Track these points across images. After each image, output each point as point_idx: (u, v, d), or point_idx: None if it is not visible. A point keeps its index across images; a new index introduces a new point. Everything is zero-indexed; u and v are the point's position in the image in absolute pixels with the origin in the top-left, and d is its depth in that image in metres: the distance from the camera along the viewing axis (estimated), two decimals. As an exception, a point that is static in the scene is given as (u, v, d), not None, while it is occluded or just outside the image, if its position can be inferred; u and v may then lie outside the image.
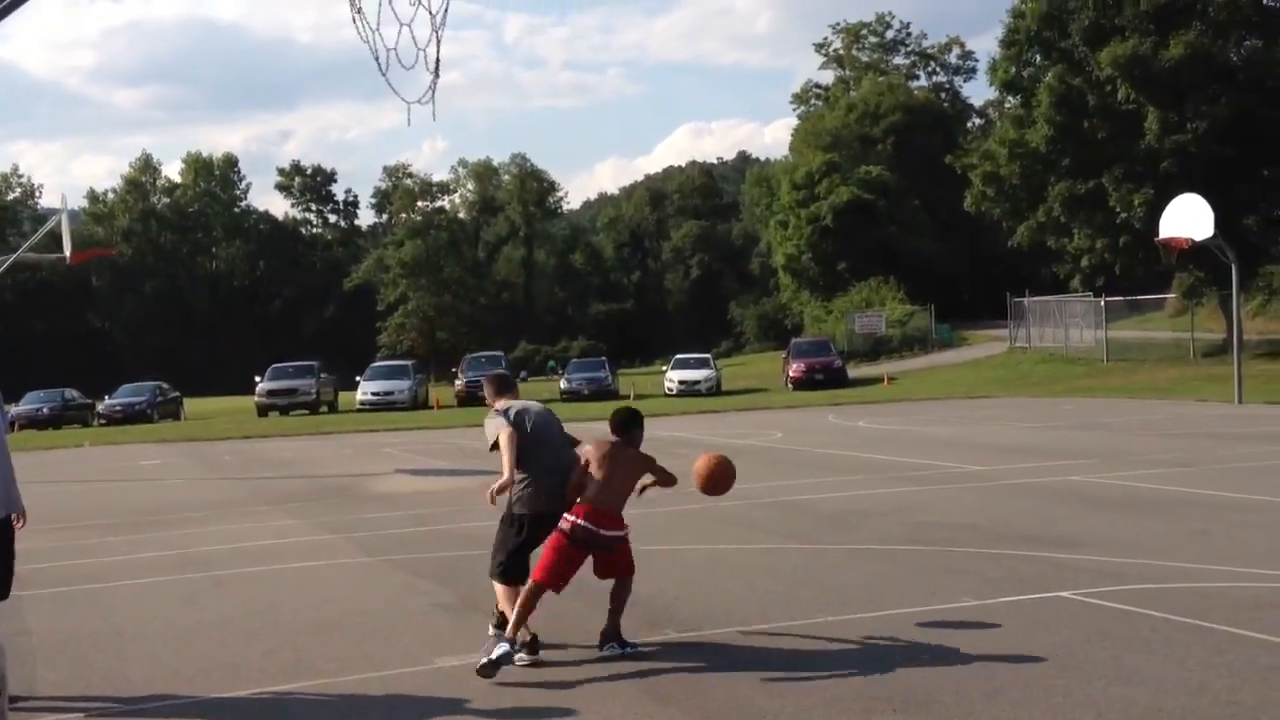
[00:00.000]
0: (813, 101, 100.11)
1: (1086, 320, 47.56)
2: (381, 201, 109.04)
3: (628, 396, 43.80)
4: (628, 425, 7.83)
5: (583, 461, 7.70)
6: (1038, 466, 16.87)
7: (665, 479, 7.89)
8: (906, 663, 6.98)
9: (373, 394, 43.59)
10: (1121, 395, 33.02)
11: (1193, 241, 28.33)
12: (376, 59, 8.24)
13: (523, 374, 70.44)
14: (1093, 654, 7.01)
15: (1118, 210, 41.43)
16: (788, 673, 6.86)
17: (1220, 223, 28.14)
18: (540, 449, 7.87)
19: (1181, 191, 29.77)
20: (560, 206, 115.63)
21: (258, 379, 44.48)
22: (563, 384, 47.21)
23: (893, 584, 9.20)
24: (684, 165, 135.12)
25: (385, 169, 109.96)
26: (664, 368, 51.13)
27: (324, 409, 44.03)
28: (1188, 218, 28.13)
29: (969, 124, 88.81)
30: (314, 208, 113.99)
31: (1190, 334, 43.08)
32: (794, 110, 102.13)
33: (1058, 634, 7.50)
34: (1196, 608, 7.96)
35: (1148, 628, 7.56)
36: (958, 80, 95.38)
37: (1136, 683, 6.38)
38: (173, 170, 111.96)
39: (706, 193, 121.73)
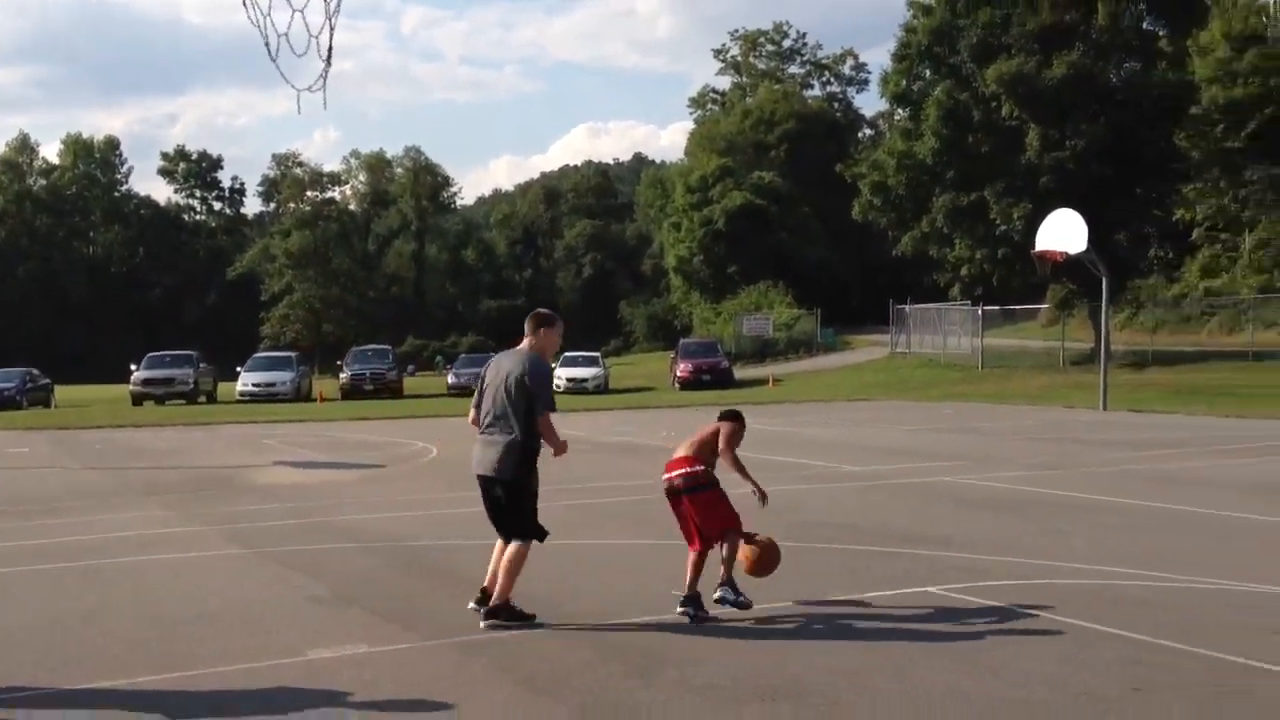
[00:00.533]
0: (709, 106, 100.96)
1: (964, 328, 48.70)
2: (269, 190, 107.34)
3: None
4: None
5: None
6: (914, 468, 17.25)
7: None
8: (777, 654, 7.12)
9: (254, 385, 42.78)
10: (995, 401, 33.86)
11: (1067, 255, 29.15)
12: (267, 44, 8.17)
13: (410, 368, 69.86)
14: (957, 646, 7.23)
15: (998, 222, 42.47)
16: (662, 663, 6.95)
17: (1093, 238, 29.00)
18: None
19: (1058, 207, 30.59)
20: (454, 201, 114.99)
21: (133, 367, 43.40)
22: (450, 379, 46.88)
23: (772, 579, 9.32)
24: (580, 165, 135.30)
25: (274, 157, 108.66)
26: (553, 365, 51.05)
27: (202, 399, 43.11)
28: (1063, 232, 28.93)
29: (860, 134, 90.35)
30: (198, 194, 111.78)
31: (1061, 343, 44.34)
32: (691, 114, 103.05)
33: (924, 627, 7.73)
34: (1056, 603, 8.24)
35: (1010, 622, 7.81)
36: (850, 91, 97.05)
37: (999, 675, 6.59)
38: (51, 152, 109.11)
39: (601, 193, 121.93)
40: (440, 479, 17.17)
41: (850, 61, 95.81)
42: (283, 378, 43.55)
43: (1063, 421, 26.31)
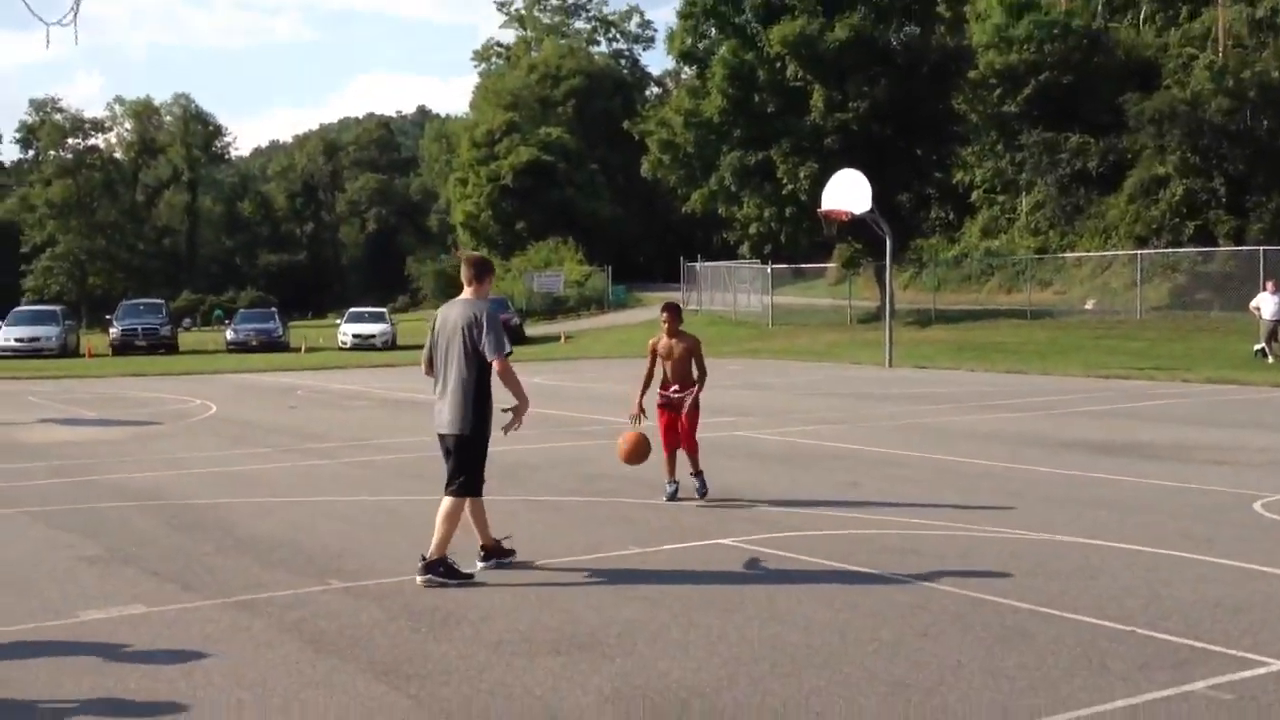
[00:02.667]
0: (494, 60, 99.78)
1: (754, 286, 49.58)
2: (27, 137, 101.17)
3: (299, 349, 42.52)
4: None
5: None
6: (706, 423, 17.32)
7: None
8: (571, 608, 7.01)
9: (16, 339, 40.52)
10: (785, 357, 34.58)
11: (852, 215, 29.82)
12: (14, -30, 7.51)
13: (186, 323, 67.25)
14: (748, 596, 7.25)
15: (785, 182, 43.19)
16: (452, 620, 6.77)
17: (877, 198, 29.74)
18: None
19: (843, 167, 31.23)
20: (228, 152, 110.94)
21: (-118, 321, 40.55)
22: (229, 334, 45.32)
23: (560, 534, 9.25)
24: (361, 117, 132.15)
25: (32, 102, 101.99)
26: (338, 321, 49.93)
27: (-41, 355, 40.57)
28: (848, 192, 29.55)
29: (647, 92, 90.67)
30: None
31: (848, 301, 45.58)
32: (475, 68, 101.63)
33: (716, 578, 7.74)
34: (844, 553, 8.38)
35: (799, 572, 7.89)
36: (637, 49, 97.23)
37: (788, 622, 6.64)
38: None
39: (384, 146, 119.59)
40: (220, 436, 16.52)
41: (636, 19, 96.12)
42: (48, 332, 41.43)
43: (850, 377, 27.02)
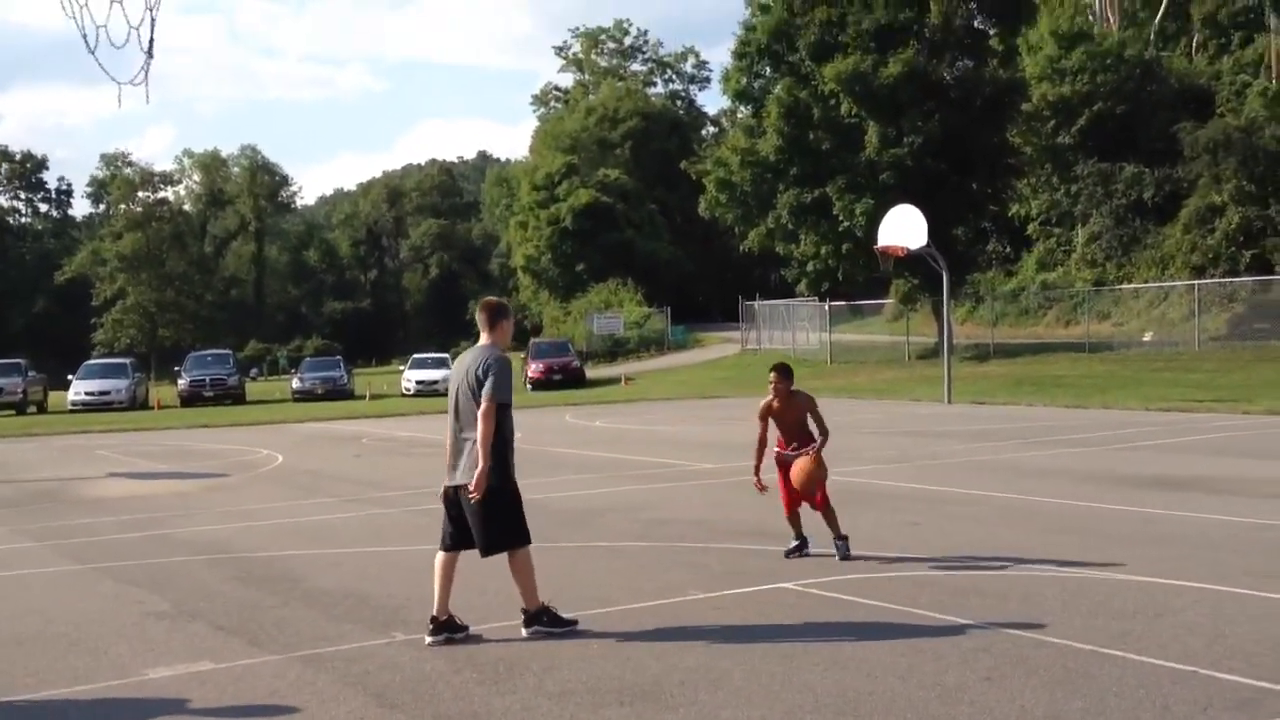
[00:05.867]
0: (552, 104, 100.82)
1: (812, 323, 49.55)
2: (98, 191, 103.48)
3: (364, 396, 42.99)
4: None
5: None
6: (766, 464, 17.36)
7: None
8: (634, 656, 7.06)
9: (86, 393, 41.26)
10: (844, 395, 34.46)
11: (908, 250, 29.80)
12: (84, 36, 7.79)
13: (254, 372, 68.22)
14: (810, 641, 7.26)
15: (841, 219, 43.22)
16: (516, 670, 6.84)
17: (933, 233, 29.70)
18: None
19: (899, 202, 31.21)
20: (294, 201, 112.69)
21: (-42, 378, 41.44)
22: (295, 383, 45.90)
23: (622, 580, 9.30)
24: (424, 163, 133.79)
25: (103, 157, 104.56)
26: (401, 367, 50.46)
27: (32, 409, 41.41)
28: (904, 227, 29.55)
29: (703, 131, 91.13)
30: (23, 196, 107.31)
31: (906, 338, 45.41)
32: (534, 112, 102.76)
33: (778, 623, 7.76)
34: (906, 595, 8.36)
35: (862, 615, 7.89)
36: (693, 89, 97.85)
37: (850, 668, 6.65)
38: None
39: (446, 191, 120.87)
40: (286, 488, 16.75)
41: (692, 59, 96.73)
42: (118, 385, 42.11)
43: (909, 414, 26.90)
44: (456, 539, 7.61)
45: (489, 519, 7.41)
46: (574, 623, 7.61)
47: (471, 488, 7.28)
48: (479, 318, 7.70)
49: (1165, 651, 6.75)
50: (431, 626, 7.48)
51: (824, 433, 9.80)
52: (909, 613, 7.89)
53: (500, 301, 7.98)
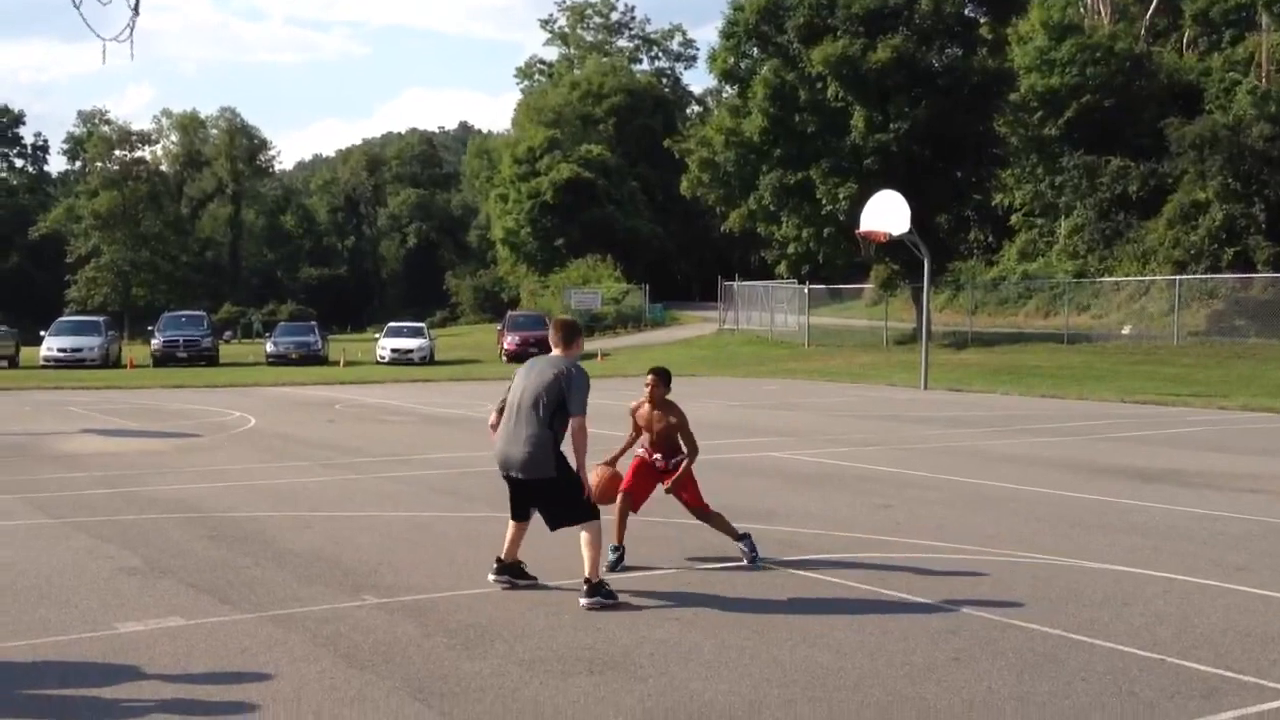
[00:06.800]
0: (536, 77, 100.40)
1: (791, 306, 49.59)
2: (74, 148, 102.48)
3: (338, 363, 42.86)
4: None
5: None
6: (740, 443, 17.44)
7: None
8: (605, 627, 7.08)
9: (59, 350, 40.96)
10: (820, 378, 34.55)
11: (890, 236, 29.82)
12: (72, -14, 7.69)
13: (228, 335, 67.87)
14: (780, 618, 7.30)
15: (824, 202, 43.18)
16: (487, 637, 6.84)
17: (916, 219, 29.73)
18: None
19: (882, 188, 31.21)
20: (272, 165, 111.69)
21: (-72, 331, 41.15)
22: (269, 347, 45.68)
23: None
24: (404, 132, 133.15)
25: (80, 114, 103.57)
26: (377, 335, 50.31)
27: (3, 364, 41.11)
28: (887, 213, 29.56)
29: (688, 110, 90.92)
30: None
31: (884, 323, 45.49)
32: (518, 84, 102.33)
33: (749, 600, 7.79)
34: (876, 576, 8.41)
35: (832, 593, 7.93)
36: (679, 67, 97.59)
37: (819, 645, 6.68)
38: None
39: (426, 161, 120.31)
40: (258, 450, 16.69)
41: (678, 37, 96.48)
42: (91, 343, 41.85)
43: (885, 399, 26.98)
44: (518, 512, 8.16)
45: (567, 501, 7.86)
46: (617, 597, 7.73)
47: (591, 491, 7.94)
48: (553, 336, 8.29)
49: (1133, 639, 6.80)
50: (496, 566, 8.15)
51: (693, 450, 8.96)
52: (879, 593, 7.93)
53: (574, 322, 8.65)
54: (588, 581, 7.65)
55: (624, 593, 7.87)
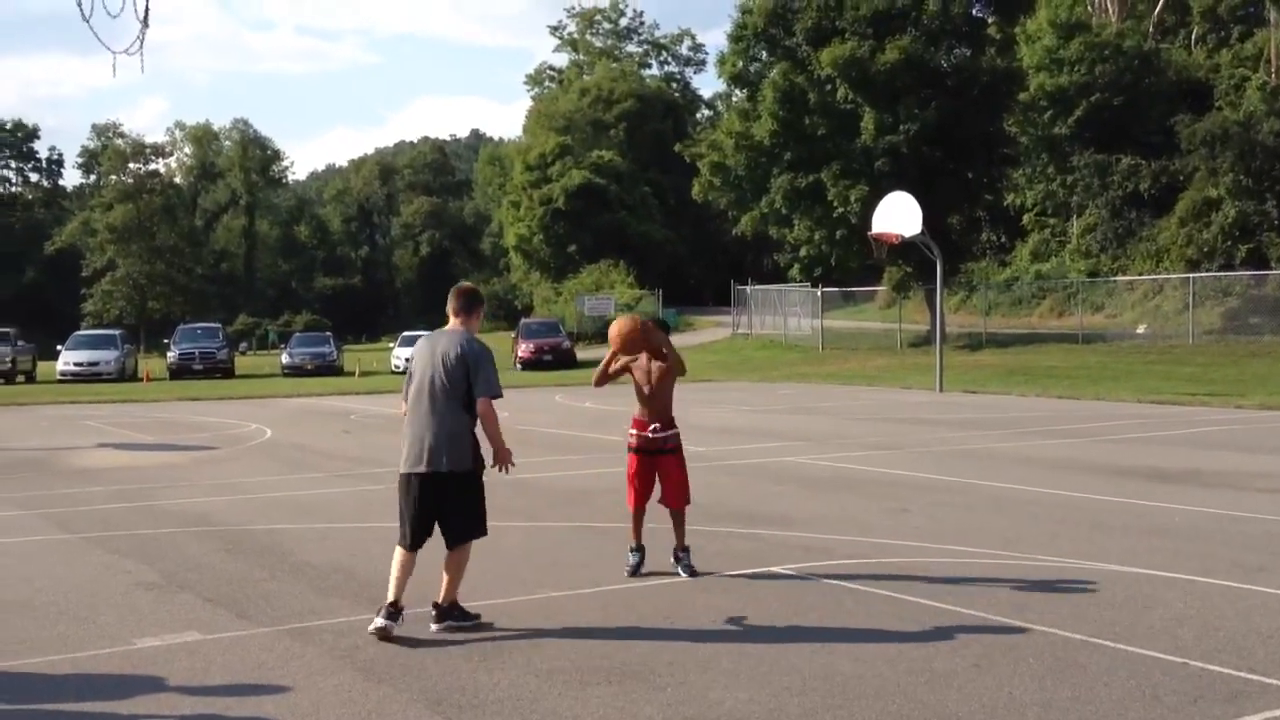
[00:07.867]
0: (547, 84, 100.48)
1: (804, 309, 49.51)
2: (89, 161, 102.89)
3: (353, 373, 42.92)
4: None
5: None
6: (756, 448, 17.41)
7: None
8: (623, 636, 7.05)
9: (75, 364, 41.11)
10: (835, 381, 34.47)
11: (902, 237, 29.73)
12: (79, 3, 7.72)
13: (243, 346, 68.05)
14: (799, 625, 7.26)
15: (835, 204, 43.12)
16: (504, 648, 6.82)
17: (928, 221, 29.64)
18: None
19: (894, 189, 31.15)
20: (285, 176, 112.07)
21: (-54, 346, 41.26)
22: (284, 358, 45.79)
23: (612, 560, 9.28)
24: (416, 141, 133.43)
25: (94, 127, 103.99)
26: (391, 345, 50.40)
27: (21, 379, 41.27)
28: (899, 215, 29.47)
29: (698, 114, 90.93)
30: (13, 165, 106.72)
31: (898, 325, 45.38)
32: (528, 91, 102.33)
33: (768, 606, 7.75)
34: (895, 582, 8.36)
35: (851, 600, 7.89)
36: (688, 71, 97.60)
37: (839, 652, 6.64)
38: None
39: (439, 169, 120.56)
40: (275, 462, 16.72)
41: (688, 42, 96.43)
42: (107, 356, 41.97)
43: (900, 402, 26.91)
44: (420, 536, 7.23)
45: (466, 505, 7.19)
46: (478, 616, 7.30)
47: (494, 462, 7.18)
48: (452, 304, 7.39)
49: (1155, 643, 6.75)
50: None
51: (678, 364, 8.36)
52: (898, 599, 7.88)
53: (474, 289, 7.68)
54: (438, 606, 7.19)
55: (641, 598, 7.83)
